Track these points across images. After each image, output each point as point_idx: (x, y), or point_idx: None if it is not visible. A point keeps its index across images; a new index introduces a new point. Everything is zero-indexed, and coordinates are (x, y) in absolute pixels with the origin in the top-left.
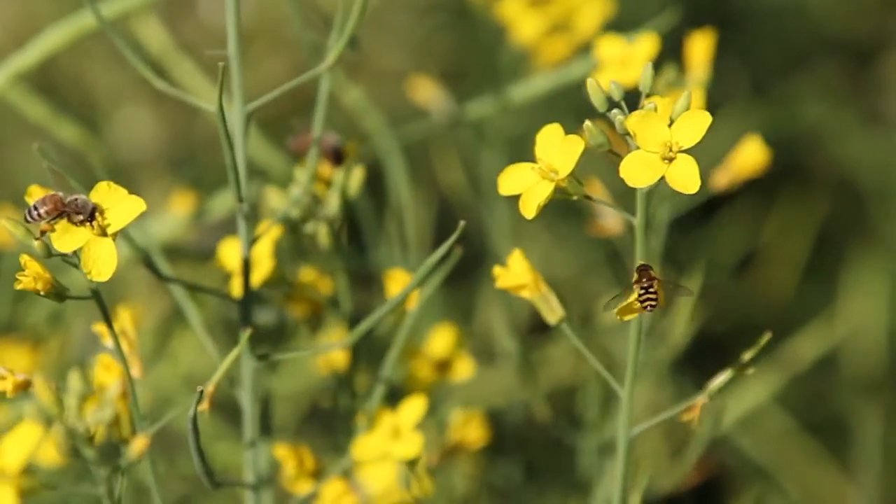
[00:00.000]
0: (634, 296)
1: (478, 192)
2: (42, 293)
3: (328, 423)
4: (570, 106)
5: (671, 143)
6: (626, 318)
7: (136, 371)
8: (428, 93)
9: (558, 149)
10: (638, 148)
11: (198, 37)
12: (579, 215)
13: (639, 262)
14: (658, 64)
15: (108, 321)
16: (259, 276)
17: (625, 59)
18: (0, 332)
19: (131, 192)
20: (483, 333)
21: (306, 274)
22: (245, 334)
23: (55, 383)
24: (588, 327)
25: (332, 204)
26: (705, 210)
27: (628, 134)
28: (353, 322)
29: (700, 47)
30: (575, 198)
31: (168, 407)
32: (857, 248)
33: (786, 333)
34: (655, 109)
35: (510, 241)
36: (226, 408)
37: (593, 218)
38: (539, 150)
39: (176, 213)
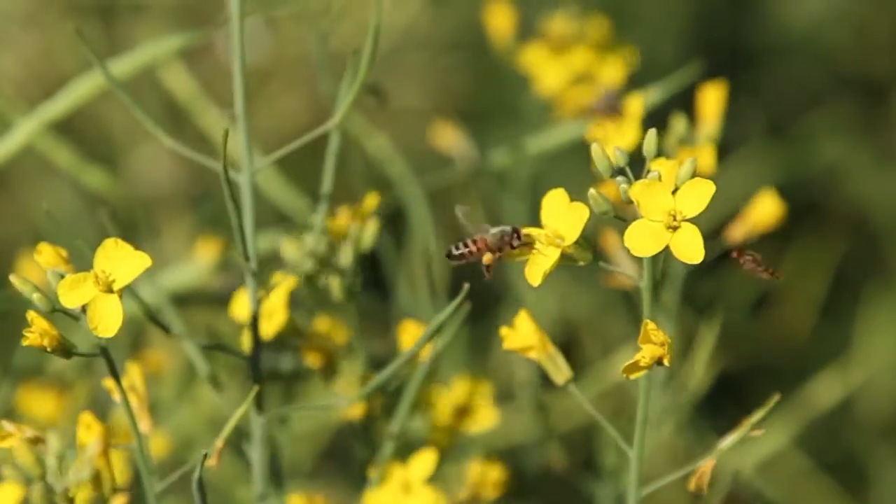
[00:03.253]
0: (640, 354)
1: None
2: (49, 349)
3: (345, 462)
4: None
5: (675, 212)
6: (633, 376)
7: (144, 426)
8: (450, 139)
9: (564, 215)
10: (641, 217)
11: (215, 76)
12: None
13: (645, 321)
14: (669, 113)
15: (116, 378)
16: (273, 327)
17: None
18: (26, 378)
19: (150, 233)
20: (501, 370)
21: (321, 323)
22: (252, 392)
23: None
24: (605, 367)
25: (346, 256)
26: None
27: (632, 202)
28: (369, 370)
29: (712, 99)
30: (582, 263)
31: (190, 449)
32: (873, 287)
33: (803, 373)
34: (659, 178)
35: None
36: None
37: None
38: (545, 215)
39: (200, 260)
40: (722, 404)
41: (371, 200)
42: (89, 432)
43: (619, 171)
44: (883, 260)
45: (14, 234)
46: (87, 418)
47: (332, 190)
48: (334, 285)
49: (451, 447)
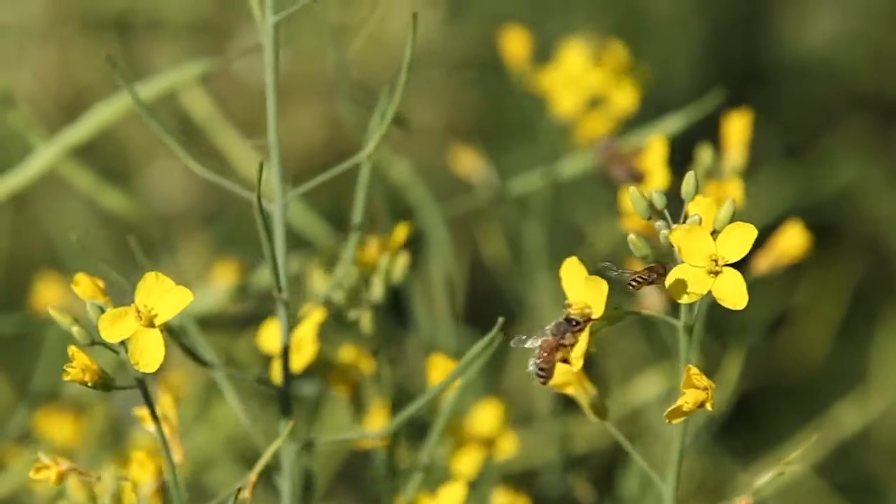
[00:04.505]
0: (683, 399)
1: (518, 261)
2: (89, 384)
3: (358, 484)
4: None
5: (717, 257)
6: (675, 421)
7: (177, 456)
8: (470, 164)
9: (584, 289)
10: (682, 262)
11: (230, 91)
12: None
13: (683, 365)
14: (687, 138)
15: (152, 409)
16: (302, 360)
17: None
18: (43, 401)
19: (170, 252)
20: (516, 390)
21: (346, 353)
22: (287, 426)
23: (93, 472)
24: (624, 391)
25: (377, 290)
26: (737, 270)
27: (672, 246)
28: (393, 399)
29: (737, 128)
30: (616, 323)
31: (208, 470)
32: (889, 309)
33: (818, 395)
34: (699, 222)
35: (551, 311)
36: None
37: (636, 298)
38: (566, 286)
39: (218, 285)
40: (737, 426)
41: (400, 233)
42: (143, 470)
43: (657, 213)
44: None
45: (29, 252)
46: (140, 455)
47: (344, 213)
48: (364, 319)
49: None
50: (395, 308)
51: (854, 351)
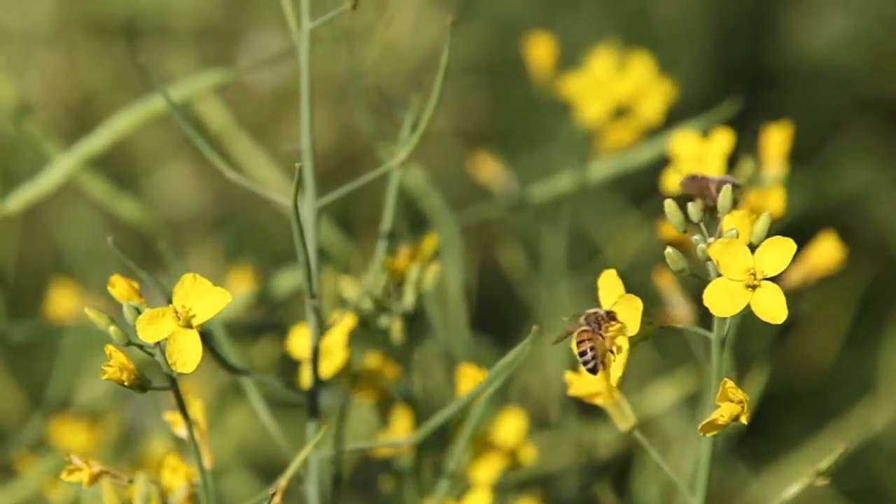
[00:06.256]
0: (718, 413)
1: (535, 268)
2: (126, 384)
3: (367, 490)
4: (633, 188)
5: (755, 271)
6: (709, 434)
7: (207, 461)
8: (491, 170)
9: (620, 306)
10: (720, 275)
11: (240, 97)
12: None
13: (716, 381)
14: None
15: (184, 411)
16: (331, 367)
17: (700, 156)
18: (58, 408)
19: (180, 257)
20: (527, 395)
21: (372, 360)
22: (318, 433)
23: (125, 475)
24: (639, 399)
25: (408, 299)
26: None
27: (709, 260)
28: (418, 408)
29: (777, 140)
30: (645, 340)
31: (222, 477)
32: None
33: (827, 401)
34: (737, 236)
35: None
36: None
37: (663, 306)
38: (603, 299)
39: (234, 293)
40: (746, 433)
41: (430, 242)
42: (176, 475)
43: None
44: None
45: (40, 260)
46: (172, 461)
47: (367, 222)
48: (395, 328)
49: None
50: (411, 315)
51: (862, 357)
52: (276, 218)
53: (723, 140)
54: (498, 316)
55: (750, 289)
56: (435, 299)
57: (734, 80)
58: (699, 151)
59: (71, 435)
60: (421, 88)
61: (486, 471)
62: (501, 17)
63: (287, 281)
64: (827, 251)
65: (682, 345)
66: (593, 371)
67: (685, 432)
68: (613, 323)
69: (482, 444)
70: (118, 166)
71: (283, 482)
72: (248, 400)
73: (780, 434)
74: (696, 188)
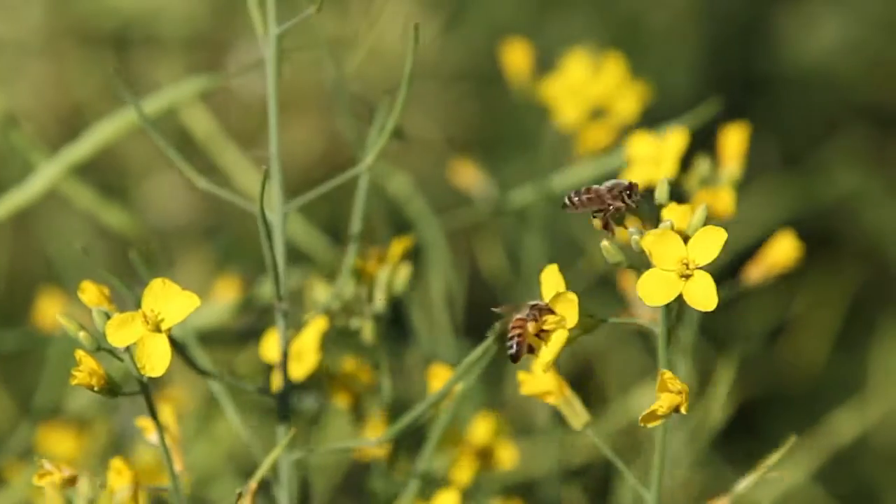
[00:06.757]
0: (658, 404)
1: (517, 273)
2: (96, 389)
3: (359, 496)
4: None
5: (688, 261)
6: (651, 425)
7: (178, 465)
8: (469, 176)
9: (556, 301)
10: (654, 266)
11: (227, 104)
12: (610, 287)
13: (661, 370)
14: (691, 155)
15: (154, 416)
16: (304, 369)
17: (656, 156)
18: (46, 417)
19: (169, 266)
20: (516, 402)
21: (347, 364)
22: (287, 435)
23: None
24: (623, 403)
25: (379, 301)
26: (737, 279)
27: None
28: (393, 411)
29: (734, 139)
30: (587, 333)
31: (209, 485)
32: (887, 318)
33: (817, 404)
34: (672, 227)
35: None
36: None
37: (626, 305)
38: (545, 292)
39: (220, 300)
40: (736, 435)
41: (400, 245)
42: (120, 477)
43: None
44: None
45: (29, 269)
46: (117, 463)
47: (343, 226)
48: (366, 329)
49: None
50: (395, 320)
51: (852, 360)
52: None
53: (676, 141)
54: (488, 322)
55: (683, 278)
56: (420, 305)
57: (727, 86)
58: (654, 153)
59: (59, 442)
60: (391, 94)
61: (464, 472)
62: (492, 25)
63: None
64: (784, 249)
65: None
66: (514, 358)
67: (671, 432)
68: (551, 315)
69: (461, 447)
70: (109, 175)
71: (252, 484)
72: (230, 404)
73: (772, 436)
74: (591, 202)
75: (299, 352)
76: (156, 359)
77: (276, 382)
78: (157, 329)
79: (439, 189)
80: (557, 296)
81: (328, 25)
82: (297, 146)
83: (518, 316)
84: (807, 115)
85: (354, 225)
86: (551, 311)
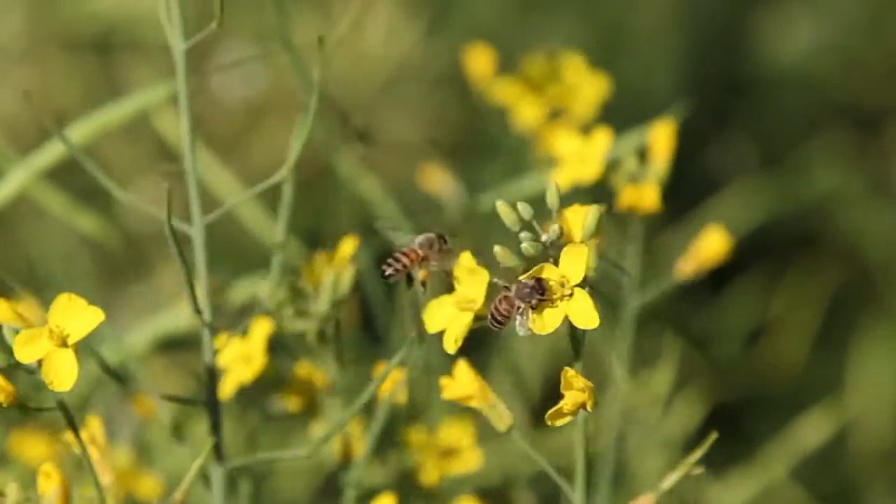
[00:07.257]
0: (563, 402)
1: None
2: (5, 405)
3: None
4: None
5: (564, 280)
6: (559, 423)
7: (107, 479)
8: (439, 181)
9: (470, 280)
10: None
11: (209, 109)
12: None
13: (565, 368)
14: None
15: (75, 431)
16: (251, 372)
17: (582, 155)
18: (19, 422)
19: (143, 272)
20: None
21: (301, 368)
22: (208, 445)
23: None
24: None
25: (322, 303)
26: (715, 280)
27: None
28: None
29: (662, 137)
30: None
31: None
32: (866, 318)
33: (796, 404)
34: (554, 262)
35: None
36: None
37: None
38: (457, 281)
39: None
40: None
41: (347, 246)
42: (49, 481)
43: (527, 227)
44: (876, 290)
45: (13, 274)
46: (47, 468)
47: (323, 231)
48: (309, 330)
49: (440, 485)
50: (368, 327)
51: (832, 359)
52: (245, 233)
53: (602, 139)
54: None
55: (566, 298)
56: (392, 311)
57: (708, 89)
58: (581, 151)
59: (32, 448)
60: (367, 101)
61: (430, 474)
62: (476, 28)
63: (243, 290)
64: (714, 243)
65: (648, 347)
66: (385, 277)
67: (656, 433)
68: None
69: (428, 449)
70: (88, 181)
71: (178, 496)
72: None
73: (752, 437)
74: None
75: (247, 355)
76: (63, 374)
77: (226, 389)
78: (64, 344)
79: (420, 192)
80: (472, 272)
81: (309, 29)
82: (279, 151)
83: (410, 247)
84: (786, 116)
85: (279, 230)
86: (444, 241)
